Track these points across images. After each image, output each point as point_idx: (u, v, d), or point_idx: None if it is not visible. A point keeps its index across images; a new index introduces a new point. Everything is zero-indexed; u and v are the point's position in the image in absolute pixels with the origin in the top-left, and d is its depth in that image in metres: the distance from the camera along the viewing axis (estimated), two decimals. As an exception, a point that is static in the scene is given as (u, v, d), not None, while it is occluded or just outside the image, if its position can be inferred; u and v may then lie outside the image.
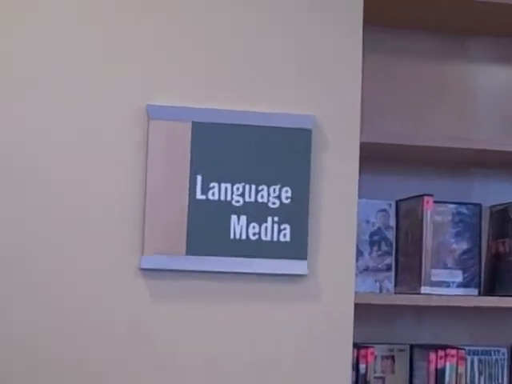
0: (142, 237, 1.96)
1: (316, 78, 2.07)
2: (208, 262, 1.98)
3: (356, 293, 2.10)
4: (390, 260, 2.46)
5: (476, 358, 2.53)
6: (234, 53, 2.04)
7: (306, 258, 2.02)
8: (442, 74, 2.63)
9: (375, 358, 2.37)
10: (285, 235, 2.01)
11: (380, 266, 2.44)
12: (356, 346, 2.24)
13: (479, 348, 2.54)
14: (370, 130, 2.26)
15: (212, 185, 1.99)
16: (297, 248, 2.02)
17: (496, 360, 2.55)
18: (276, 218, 2.01)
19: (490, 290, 2.52)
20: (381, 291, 2.44)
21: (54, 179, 1.94)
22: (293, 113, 2.04)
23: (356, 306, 2.09)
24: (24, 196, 1.93)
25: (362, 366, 2.29)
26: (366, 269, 2.43)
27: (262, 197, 2.01)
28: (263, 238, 2.01)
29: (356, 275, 2.14)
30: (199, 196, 1.98)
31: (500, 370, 2.55)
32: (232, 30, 2.04)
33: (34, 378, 1.91)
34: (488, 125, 2.65)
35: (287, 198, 2.02)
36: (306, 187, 2.03)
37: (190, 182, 1.98)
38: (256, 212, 2.01)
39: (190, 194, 1.98)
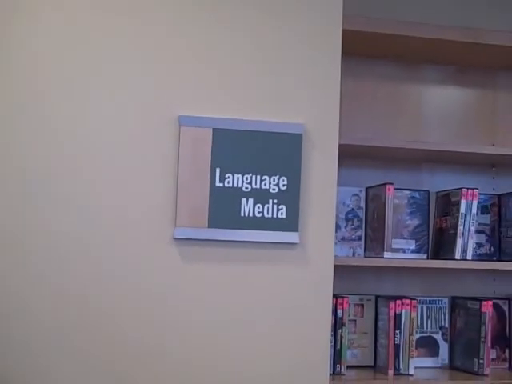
0: (175, 214, 1.98)
1: (306, 95, 2.08)
2: (224, 233, 2.00)
3: (335, 257, 2.11)
4: (361, 232, 2.48)
5: (425, 306, 2.55)
6: (246, 74, 2.05)
7: (297, 231, 2.03)
8: (401, 93, 2.65)
9: (349, 305, 2.38)
10: (282, 213, 2.02)
11: (353, 237, 2.48)
12: (335, 296, 2.25)
13: (427, 298, 2.56)
14: (346, 134, 2.27)
15: (227, 175, 2.00)
16: (291, 223, 2.03)
17: (439, 308, 2.57)
18: (275, 201, 2.03)
19: (435, 254, 2.54)
20: (354, 255, 2.47)
21: (107, 172, 1.97)
22: (288, 121, 2.06)
23: (335, 266, 2.10)
24: (82, 183, 1.96)
25: (340, 312, 2.32)
26: (343, 239, 2.46)
27: (265, 184, 2.03)
28: (265, 215, 2.02)
29: (335, 243, 2.15)
30: (218, 184, 2.00)
31: (442, 315, 2.57)
32: (243, 57, 2.05)
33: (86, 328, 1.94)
34: (435, 131, 2.66)
35: (284, 185, 2.03)
36: (298, 177, 2.05)
37: (210, 174, 1.99)
38: (260, 196, 2.02)
39: (210, 182, 1.99)
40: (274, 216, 2.03)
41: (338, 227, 2.40)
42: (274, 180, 2.04)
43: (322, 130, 2.09)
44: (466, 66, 2.71)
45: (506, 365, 2.59)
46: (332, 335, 2.26)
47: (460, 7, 2.70)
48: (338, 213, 2.30)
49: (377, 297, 2.51)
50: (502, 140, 2.72)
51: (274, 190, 2.04)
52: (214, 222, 2.00)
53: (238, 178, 2.02)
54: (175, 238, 1.99)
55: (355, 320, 2.48)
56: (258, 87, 2.06)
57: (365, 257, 2.47)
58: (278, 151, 2.05)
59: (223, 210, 2.01)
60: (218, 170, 2.01)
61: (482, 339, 2.41)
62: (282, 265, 2.05)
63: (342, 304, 2.33)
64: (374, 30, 2.34)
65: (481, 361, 2.40)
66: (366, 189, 2.52)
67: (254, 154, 2.04)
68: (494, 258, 2.59)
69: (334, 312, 2.30)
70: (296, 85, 2.09)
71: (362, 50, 2.52)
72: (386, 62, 2.64)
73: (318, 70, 2.10)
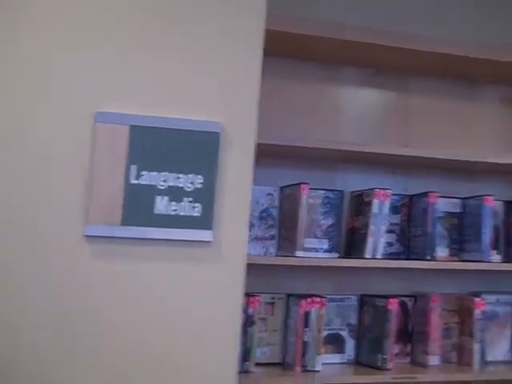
0: (87, 211, 1.95)
1: (225, 94, 2.08)
2: (138, 231, 1.98)
3: (248, 255, 2.12)
4: (274, 231, 2.51)
5: (334, 304, 2.60)
6: (165, 72, 2.03)
7: (211, 229, 2.03)
8: (319, 93, 2.70)
9: (260, 303, 2.41)
10: (197, 211, 2.02)
11: (266, 236, 2.50)
12: (246, 294, 2.25)
13: (337, 296, 2.62)
14: (263, 133, 2.26)
15: (143, 173, 1.99)
16: (205, 221, 2.03)
17: (349, 305, 2.64)
18: (190, 199, 2.02)
19: (347, 253, 2.60)
20: (266, 254, 2.50)
21: (18, 169, 1.92)
22: (206, 120, 2.05)
23: (248, 265, 2.11)
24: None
25: (251, 310, 2.36)
26: (256, 237, 2.48)
27: (181, 182, 2.01)
28: (180, 213, 2.01)
29: (248, 242, 2.14)
30: (133, 181, 1.98)
31: (351, 312, 2.64)
32: (162, 54, 2.03)
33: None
34: (351, 132, 2.73)
35: (200, 183, 2.03)
36: (214, 176, 2.04)
37: (126, 171, 1.97)
38: (175, 194, 2.01)
39: (125, 180, 1.97)
40: (189, 214, 2.03)
41: (251, 226, 2.42)
42: (189, 178, 2.03)
43: (239, 128, 2.10)
44: (382, 69, 2.78)
45: (408, 359, 2.70)
46: (242, 333, 2.25)
47: (383, 10, 2.76)
48: (252, 211, 2.30)
49: (288, 295, 2.54)
50: (415, 141, 2.81)
51: (189, 188, 2.03)
52: (127, 220, 1.98)
53: (153, 176, 2.00)
54: (86, 236, 1.96)
55: (266, 318, 2.51)
56: (176, 85, 2.05)
57: (277, 256, 2.50)
58: (195, 149, 2.04)
59: (137, 207, 1.99)
60: (133, 167, 1.99)
61: (387, 335, 2.51)
62: (195, 263, 2.05)
63: (253, 302, 2.36)
64: (295, 31, 2.37)
65: (384, 356, 2.50)
66: (281, 188, 2.54)
67: (170, 151, 2.02)
68: (403, 257, 2.68)
69: (245, 310, 2.32)
70: (215, 83, 2.08)
71: (280, 49, 2.54)
72: (305, 63, 2.68)
73: (238, 68, 2.10)
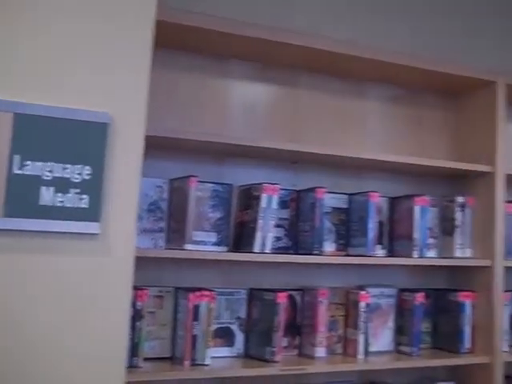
0: None
1: (114, 85, 2.06)
2: (21, 222, 1.93)
3: (136, 248, 2.11)
4: (163, 224, 2.49)
5: (223, 298, 2.61)
6: (53, 60, 1.98)
7: (99, 221, 2.01)
8: (209, 86, 2.71)
9: (149, 297, 2.40)
10: (84, 203, 1.99)
11: (155, 228, 2.48)
12: (135, 288, 2.25)
13: (226, 290, 2.63)
14: (153, 125, 2.27)
15: (27, 163, 1.93)
16: (93, 213, 2.00)
17: (237, 299, 2.65)
18: (78, 190, 1.99)
19: (236, 247, 2.62)
20: (155, 247, 2.48)
21: None
22: (95, 110, 2.02)
23: (136, 258, 2.10)
24: None
25: (139, 304, 2.33)
26: (145, 230, 2.45)
27: (68, 173, 1.98)
28: (67, 205, 1.97)
29: (137, 235, 2.16)
30: (16, 171, 1.92)
31: (240, 306, 2.66)
32: (51, 43, 1.99)
33: None
34: (240, 126, 2.75)
35: (87, 174, 2.00)
36: (102, 167, 2.02)
37: (8, 160, 1.91)
38: (62, 185, 1.97)
39: (8, 170, 1.91)
40: (76, 206, 1.99)
41: (140, 218, 2.40)
42: (77, 169, 2.00)
43: (128, 119, 2.08)
44: (271, 64, 2.83)
45: (296, 351, 2.75)
46: (130, 328, 2.26)
47: (269, 5, 2.81)
48: (140, 204, 2.29)
49: (177, 289, 2.54)
50: (304, 137, 2.88)
51: (76, 179, 2.00)
52: (10, 211, 1.92)
53: (38, 166, 1.96)
54: (-33, 227, 1.87)
55: (154, 312, 2.49)
56: (64, 74, 2.01)
57: (166, 249, 2.49)
58: (83, 140, 2.01)
59: (21, 198, 1.93)
60: (17, 157, 1.93)
61: (276, 328, 2.54)
62: (83, 255, 2.02)
63: (141, 296, 2.34)
64: (185, 23, 2.38)
65: (273, 349, 2.53)
66: (170, 180, 2.53)
67: (57, 141, 1.98)
68: (291, 252, 2.73)
69: (133, 304, 2.30)
70: (104, 73, 2.06)
71: (171, 41, 2.54)
72: (195, 55, 2.69)
73: (127, 59, 2.08)
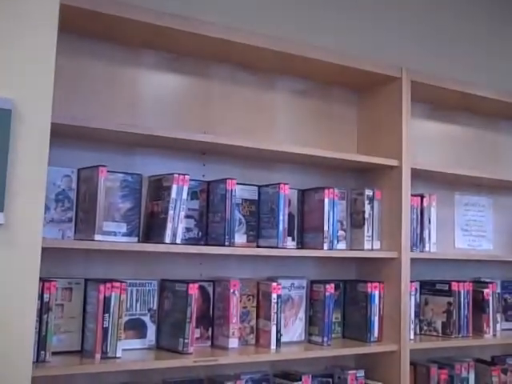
0: None
1: (17, 70, 2.00)
2: None
3: (43, 239, 2.06)
4: (71, 214, 2.42)
5: (134, 289, 2.56)
6: None
7: (2, 211, 1.94)
8: (120, 75, 2.65)
9: (57, 289, 2.31)
10: (-14, 192, 1.90)
11: (63, 218, 2.40)
12: (42, 280, 2.19)
13: (137, 281, 2.58)
14: (61, 113, 2.21)
15: None
16: (-4, 202, 1.91)
17: (149, 290, 2.60)
18: (-22, 178, 1.90)
19: (146, 238, 2.57)
20: (63, 238, 2.40)
21: None
22: (-3, 95, 1.94)
23: (43, 249, 2.04)
24: None
25: (46, 296, 2.24)
26: (52, 220, 2.38)
27: None
28: None
29: (44, 225, 2.07)
30: None
31: (151, 297, 2.61)
32: None
33: None
34: (151, 116, 2.70)
35: (-11, 162, 1.91)
36: (5, 154, 1.95)
37: None
38: (-39, 172, 1.87)
39: None
40: (-23, 195, 1.90)
41: (47, 208, 2.32)
42: (-22, 155, 1.91)
43: (33, 106, 2.03)
44: (182, 54, 2.80)
45: (209, 342, 2.72)
46: (37, 321, 2.19)
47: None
48: (47, 193, 2.22)
49: (86, 280, 2.47)
50: (214, 128, 2.85)
51: (-23, 166, 1.91)
52: None
53: None
54: None
55: (63, 304, 2.42)
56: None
57: (75, 239, 2.42)
58: (-16, 125, 1.92)
59: None
60: None
61: (188, 320, 2.50)
62: (-15, 248, 1.94)
63: (49, 288, 2.26)
64: (94, 9, 2.33)
65: (186, 340, 2.49)
66: (78, 170, 2.47)
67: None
68: (202, 243, 2.69)
69: (41, 296, 2.22)
70: (6, 58, 1.99)
71: (82, 28, 2.48)
72: (106, 43, 2.63)
73: (32, 43, 2.02)
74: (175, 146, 2.65)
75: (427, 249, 3.22)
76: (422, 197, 3.25)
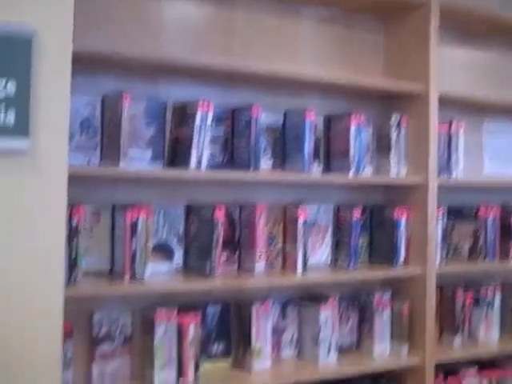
0: None
1: None
2: None
3: (70, 166, 2.07)
4: (97, 141, 2.42)
5: (161, 214, 2.58)
6: None
7: (28, 137, 1.95)
8: (141, 2, 2.62)
9: (85, 214, 2.36)
10: (10, 119, 1.93)
11: (89, 146, 2.41)
12: (70, 205, 2.20)
13: (164, 206, 2.59)
14: (83, 41, 2.18)
15: None
16: (20, 129, 1.94)
17: (175, 215, 2.62)
18: (3, 105, 1.92)
19: (172, 164, 2.56)
20: (89, 165, 2.41)
21: None
22: (19, 24, 1.95)
23: (70, 176, 2.06)
24: None
25: (75, 220, 2.28)
26: (78, 147, 2.38)
27: None
28: None
29: (69, 152, 2.08)
30: None
31: (178, 222, 2.62)
32: None
33: None
34: (174, 43, 2.67)
35: (12, 88, 1.93)
36: (28, 81, 1.96)
37: None
38: (-14, 99, 1.89)
39: None
40: (1, 121, 1.93)
41: (72, 136, 2.31)
42: (1, 82, 1.93)
43: (54, 34, 2.01)
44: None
45: (236, 266, 2.75)
46: (67, 244, 2.22)
47: None
48: (72, 121, 2.20)
49: (113, 205, 2.50)
50: (238, 56, 2.81)
51: (1, 93, 1.93)
52: None
53: (-41, 80, 1.87)
54: None
55: (91, 229, 2.46)
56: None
57: (100, 166, 2.44)
58: (6, 53, 1.93)
59: None
60: None
61: (214, 244, 2.52)
62: (11, 174, 1.97)
63: (77, 213, 2.29)
64: None
65: (213, 263, 2.52)
66: (103, 97, 2.46)
67: (-22, 53, 1.89)
68: (227, 169, 2.69)
69: (69, 221, 2.26)
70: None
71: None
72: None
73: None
74: (199, 73, 2.62)
75: (454, 175, 3.19)
76: (450, 123, 3.19)
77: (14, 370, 1.98)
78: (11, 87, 1.95)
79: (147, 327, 2.52)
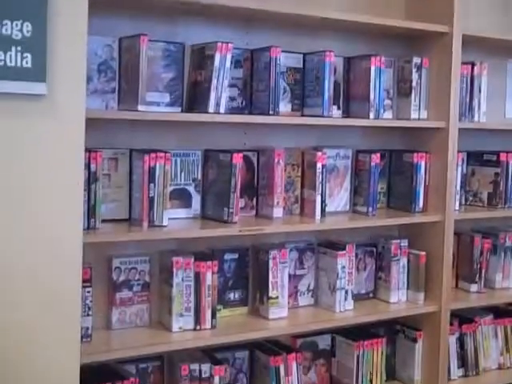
0: None
1: None
2: None
3: (87, 109, 2.03)
4: (114, 84, 2.36)
5: (178, 159, 2.54)
6: None
7: (45, 81, 1.90)
8: None
9: (103, 159, 2.31)
10: (27, 62, 1.87)
11: (106, 89, 2.35)
12: (88, 150, 2.18)
13: (181, 151, 2.55)
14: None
15: None
16: (37, 73, 1.89)
17: (193, 160, 2.58)
18: (19, 48, 1.86)
19: (189, 108, 2.50)
20: (107, 108, 2.35)
21: None
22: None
23: (87, 120, 2.02)
24: None
25: (93, 166, 2.24)
26: (95, 91, 2.32)
27: (6, 30, 1.85)
28: (8, 64, 1.86)
29: (87, 96, 2.05)
30: None
31: (195, 167, 2.59)
32: None
33: None
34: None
35: (28, 31, 1.87)
36: (44, 23, 1.89)
37: None
38: (1, 43, 1.84)
39: None
40: (18, 65, 1.87)
41: (89, 79, 2.25)
42: (16, 25, 1.86)
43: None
44: None
45: (254, 212, 2.71)
46: (85, 190, 2.19)
47: None
48: (89, 64, 2.14)
49: (131, 150, 2.45)
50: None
51: (17, 35, 1.87)
52: None
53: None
54: None
55: (109, 174, 2.41)
56: None
57: (118, 110, 2.38)
58: (21, -7, 1.85)
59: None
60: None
61: (232, 189, 2.48)
62: (29, 118, 1.93)
63: (95, 158, 2.25)
64: None
65: (231, 209, 2.48)
66: (120, 39, 2.38)
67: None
68: (246, 112, 2.63)
69: (88, 167, 2.22)
70: None
71: None
72: None
73: None
74: (218, 14, 2.54)
75: (476, 119, 3.11)
76: (473, 65, 3.10)
77: (35, 314, 1.98)
78: (27, 30, 1.88)
79: (165, 275, 2.50)
